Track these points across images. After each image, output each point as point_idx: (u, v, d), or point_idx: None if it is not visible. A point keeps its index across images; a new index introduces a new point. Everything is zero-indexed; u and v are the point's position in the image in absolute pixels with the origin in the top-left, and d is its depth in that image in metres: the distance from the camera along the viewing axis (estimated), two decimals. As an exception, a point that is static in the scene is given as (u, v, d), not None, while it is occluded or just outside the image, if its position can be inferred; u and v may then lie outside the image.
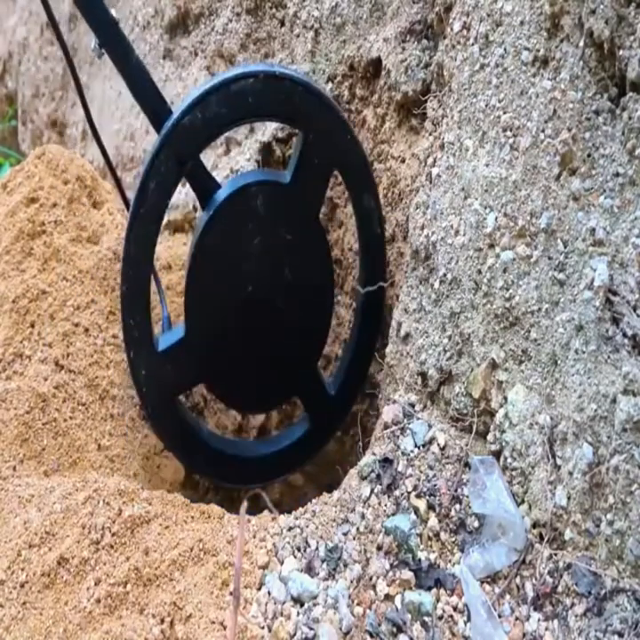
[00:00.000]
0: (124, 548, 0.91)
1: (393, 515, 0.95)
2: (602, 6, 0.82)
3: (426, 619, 0.87)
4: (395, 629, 0.86)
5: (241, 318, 1.21)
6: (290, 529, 0.95)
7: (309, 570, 0.90)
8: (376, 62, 1.36)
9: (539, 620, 0.85)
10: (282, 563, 0.91)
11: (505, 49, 0.98)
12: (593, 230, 0.84)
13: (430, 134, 1.17)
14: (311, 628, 0.84)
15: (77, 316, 1.25)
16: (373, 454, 1.01)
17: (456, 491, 0.95)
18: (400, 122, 1.31)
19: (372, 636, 0.85)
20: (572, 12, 0.87)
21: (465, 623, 0.87)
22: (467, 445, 0.99)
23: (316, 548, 0.92)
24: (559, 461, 0.86)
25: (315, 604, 0.87)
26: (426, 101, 1.20)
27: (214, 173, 1.70)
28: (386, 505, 0.96)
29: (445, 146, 1.08)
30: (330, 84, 1.48)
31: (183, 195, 1.79)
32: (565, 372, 0.86)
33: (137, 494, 0.99)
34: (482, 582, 0.89)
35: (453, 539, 0.93)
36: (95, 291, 1.30)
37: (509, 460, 0.92)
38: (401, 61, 1.25)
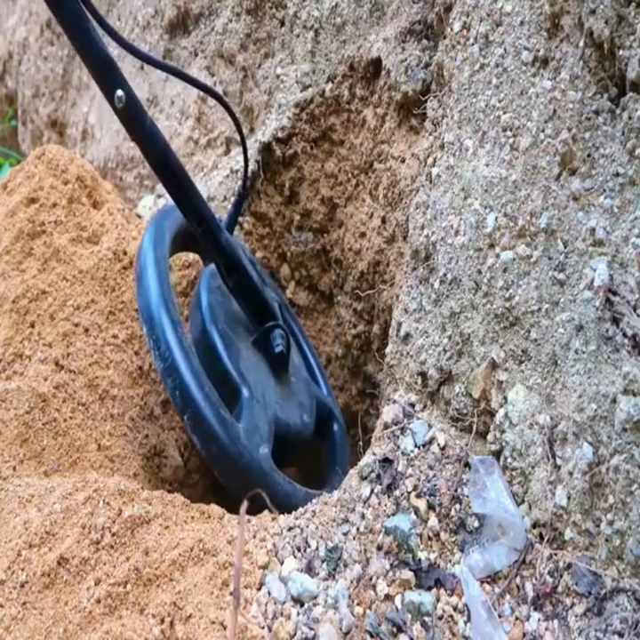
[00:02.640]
0: (124, 548, 0.91)
1: (393, 515, 0.95)
2: (602, 6, 0.82)
3: (426, 619, 0.86)
4: (395, 629, 0.86)
5: None
6: (290, 529, 0.95)
7: (309, 570, 0.90)
8: (376, 62, 1.36)
9: (539, 619, 0.85)
10: (282, 563, 0.91)
11: (505, 49, 0.98)
12: (593, 230, 0.84)
13: (430, 134, 1.17)
14: (311, 628, 0.84)
15: (77, 315, 1.25)
16: (373, 454, 1.01)
17: (456, 491, 0.95)
18: (400, 122, 1.31)
19: (372, 636, 0.85)
20: (572, 12, 0.87)
21: (465, 623, 0.87)
22: (467, 445, 0.99)
23: (316, 548, 0.92)
24: (559, 461, 0.86)
25: (315, 604, 0.86)
26: (426, 101, 1.20)
27: (214, 173, 1.70)
28: (386, 505, 0.96)
29: (445, 146, 1.08)
30: (330, 84, 1.48)
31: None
32: (565, 372, 0.86)
33: (137, 494, 0.98)
34: (482, 582, 0.89)
35: (453, 539, 0.93)
36: (95, 291, 1.29)
37: (509, 460, 0.92)
38: (401, 61, 1.25)
